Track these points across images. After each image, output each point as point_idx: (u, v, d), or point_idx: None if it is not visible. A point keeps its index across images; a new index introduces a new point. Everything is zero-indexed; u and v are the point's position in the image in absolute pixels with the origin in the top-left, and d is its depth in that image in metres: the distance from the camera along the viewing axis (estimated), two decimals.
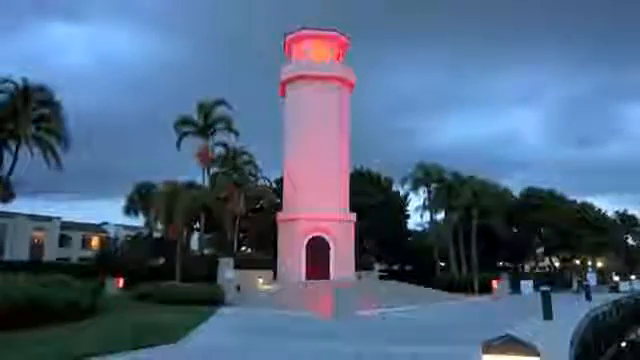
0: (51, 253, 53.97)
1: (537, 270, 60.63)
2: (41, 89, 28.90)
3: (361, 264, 36.31)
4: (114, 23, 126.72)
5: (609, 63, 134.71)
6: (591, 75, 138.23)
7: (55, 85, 29.57)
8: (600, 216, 58.97)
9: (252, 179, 38.27)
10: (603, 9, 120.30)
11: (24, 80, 28.63)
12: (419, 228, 55.51)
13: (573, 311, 20.73)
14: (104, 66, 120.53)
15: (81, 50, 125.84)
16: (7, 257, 47.42)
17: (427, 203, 46.05)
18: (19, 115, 27.93)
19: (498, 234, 46.99)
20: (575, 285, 41.28)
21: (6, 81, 28.36)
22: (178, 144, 35.41)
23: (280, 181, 40.86)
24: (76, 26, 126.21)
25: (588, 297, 28.53)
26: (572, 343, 12.66)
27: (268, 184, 43.17)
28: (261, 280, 29.56)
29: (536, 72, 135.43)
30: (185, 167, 38.42)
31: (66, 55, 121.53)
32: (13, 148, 28.26)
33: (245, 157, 37.11)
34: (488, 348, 3.72)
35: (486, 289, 36.34)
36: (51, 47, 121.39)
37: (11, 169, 28.17)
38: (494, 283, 35.94)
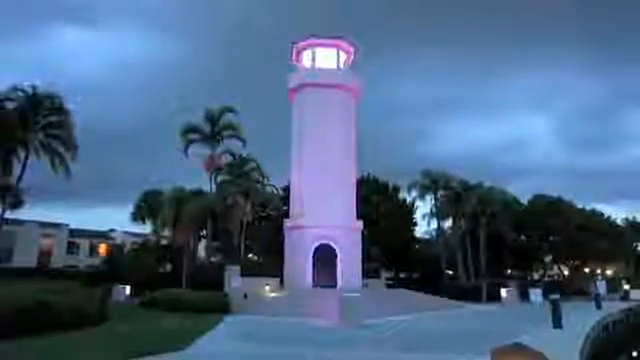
0: (59, 260, 54.24)
1: (546, 278, 60.06)
2: (51, 96, 29.20)
3: (368, 272, 36.14)
4: (125, 27, 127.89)
5: (618, 67, 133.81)
6: (598, 79, 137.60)
7: (64, 90, 29.91)
8: (609, 223, 58.42)
9: (259, 186, 38.33)
10: (614, 12, 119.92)
11: (34, 88, 28.94)
12: (426, 236, 55.26)
13: (583, 320, 20.50)
14: (111, 71, 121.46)
15: (90, 55, 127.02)
16: (15, 264, 47.68)
17: (434, 210, 45.86)
18: (28, 123, 28.21)
19: (506, 241, 46.63)
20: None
21: (16, 89, 28.68)
22: (185, 152, 35.56)
23: (287, 188, 40.87)
24: (87, 31, 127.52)
25: (598, 305, 28.18)
26: (582, 352, 12.50)
27: (275, 191, 43.20)
28: (268, 287, 29.49)
29: (543, 76, 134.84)
30: (193, 174, 38.54)
31: (76, 60, 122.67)
32: (22, 155, 28.52)
33: (252, 164, 37.21)
34: (497, 356, 3.67)
35: (494, 297, 36.05)
36: (62, 52, 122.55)
37: (20, 176, 28.40)
38: (502, 291, 35.69)
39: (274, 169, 40.20)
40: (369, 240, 41.08)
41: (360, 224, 34.24)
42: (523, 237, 52.61)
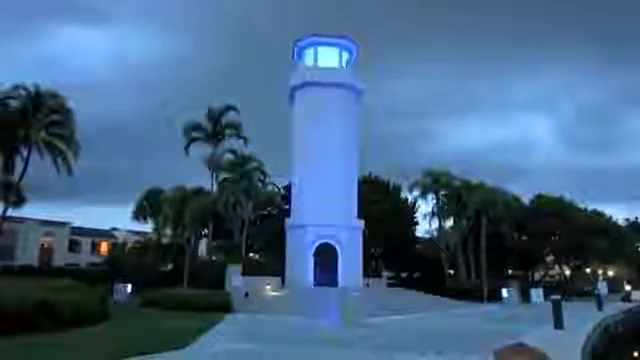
0: (60, 258, 54.24)
1: (547, 278, 59.99)
2: (53, 95, 29.25)
3: (369, 271, 36.16)
4: (126, 26, 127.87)
5: (621, 68, 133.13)
6: (600, 80, 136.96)
7: (65, 88, 29.95)
8: (611, 224, 58.32)
9: (260, 185, 38.35)
10: (617, 13, 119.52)
11: (36, 86, 29.01)
12: (428, 235, 55.19)
13: (584, 320, 20.49)
14: (111, 69, 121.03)
15: (90, 53, 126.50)
16: (17, 262, 47.71)
17: (436, 210, 45.82)
18: (30, 121, 28.28)
19: (507, 241, 46.57)
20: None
21: (18, 88, 28.74)
22: (187, 150, 35.60)
23: (288, 187, 40.87)
24: (87, 29, 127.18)
25: (599, 306, 28.09)
26: (583, 353, 12.49)
27: (277, 190, 43.22)
28: (269, 286, 29.50)
29: (545, 77, 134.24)
30: (194, 172, 38.56)
31: (76, 58, 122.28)
32: (24, 153, 28.61)
33: (254, 163, 37.23)
34: (500, 356, 3.67)
35: (495, 297, 36.04)
36: (62, 50, 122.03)
37: (22, 174, 28.48)
38: (503, 291, 35.69)
39: (275, 167, 40.22)
40: (370, 239, 41.06)
41: (361, 223, 34.25)
42: (524, 237, 52.56)
